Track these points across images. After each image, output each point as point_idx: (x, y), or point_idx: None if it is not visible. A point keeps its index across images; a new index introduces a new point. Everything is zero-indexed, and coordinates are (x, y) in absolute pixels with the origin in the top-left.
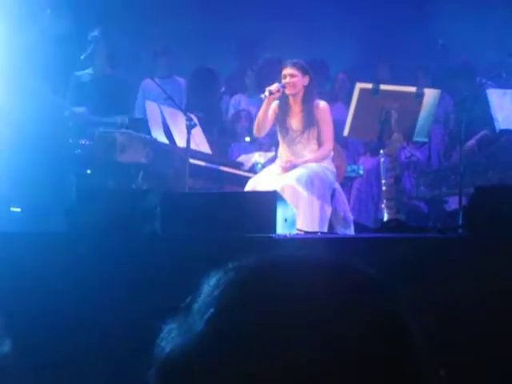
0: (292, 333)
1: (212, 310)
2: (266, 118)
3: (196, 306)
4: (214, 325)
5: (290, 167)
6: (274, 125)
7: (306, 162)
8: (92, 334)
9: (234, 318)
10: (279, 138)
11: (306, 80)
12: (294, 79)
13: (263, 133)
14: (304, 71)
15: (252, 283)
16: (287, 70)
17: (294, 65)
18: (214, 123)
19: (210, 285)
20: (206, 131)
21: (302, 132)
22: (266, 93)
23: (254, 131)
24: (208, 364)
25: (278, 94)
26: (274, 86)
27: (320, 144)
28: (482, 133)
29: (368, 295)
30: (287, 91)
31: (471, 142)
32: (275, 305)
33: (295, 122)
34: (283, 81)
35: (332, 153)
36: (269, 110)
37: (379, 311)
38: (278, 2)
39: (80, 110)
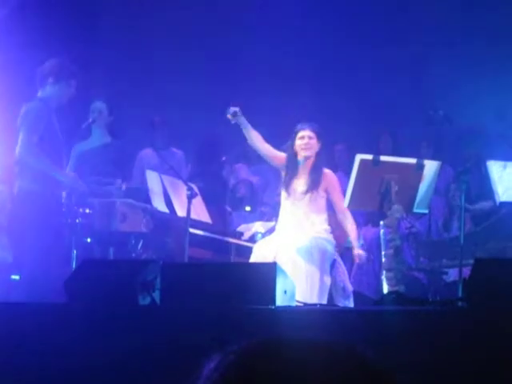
0: None
1: None
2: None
3: None
4: None
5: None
6: (277, 194)
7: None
8: None
9: None
10: (283, 200)
11: (319, 146)
12: (312, 141)
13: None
14: (319, 136)
15: (252, 367)
16: (305, 132)
17: (312, 128)
18: (215, 192)
19: (210, 368)
20: (208, 200)
21: (305, 193)
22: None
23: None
24: None
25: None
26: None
27: (338, 211)
28: (483, 204)
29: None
30: (304, 154)
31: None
32: None
33: (301, 183)
34: (300, 142)
35: (329, 227)
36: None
37: None
38: (280, 72)
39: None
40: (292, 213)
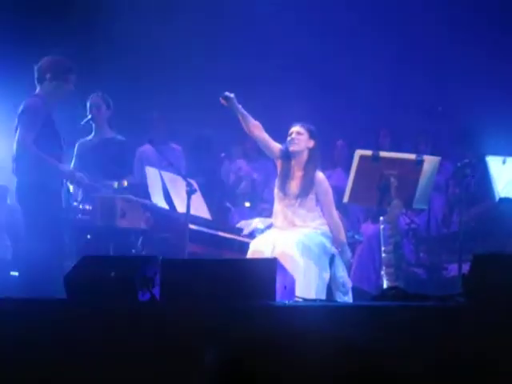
0: None
1: None
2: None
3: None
4: None
5: None
6: (272, 189)
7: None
8: None
9: None
10: (276, 199)
11: (311, 143)
12: (300, 137)
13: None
14: (311, 134)
15: (247, 364)
16: (295, 128)
17: (303, 125)
18: (214, 188)
19: (206, 363)
20: (206, 196)
21: (297, 197)
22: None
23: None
24: None
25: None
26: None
27: (325, 215)
28: (488, 203)
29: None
30: (290, 148)
31: (476, 209)
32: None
33: (293, 185)
34: (289, 138)
35: (324, 220)
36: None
37: None
38: (277, 70)
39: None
40: (282, 212)
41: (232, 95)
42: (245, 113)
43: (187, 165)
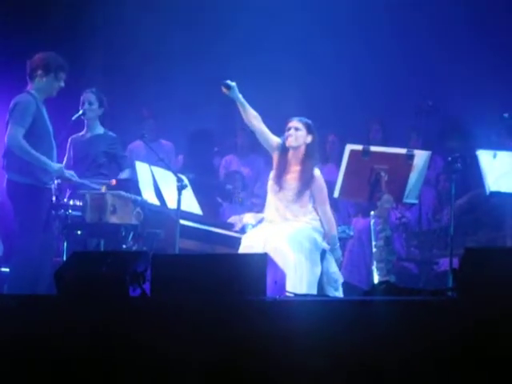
0: None
1: None
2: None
3: None
4: None
5: None
6: (266, 184)
7: None
8: None
9: None
10: (269, 191)
11: (308, 138)
12: (298, 133)
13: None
14: (309, 129)
15: (239, 357)
16: (293, 123)
17: (300, 120)
18: (207, 184)
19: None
20: (199, 192)
21: (294, 192)
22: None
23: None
24: None
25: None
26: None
27: (319, 211)
28: (473, 192)
29: None
30: (288, 143)
31: (460, 200)
32: None
33: (290, 179)
34: (286, 133)
35: (316, 215)
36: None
37: None
38: (270, 65)
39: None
40: (275, 205)
41: (234, 83)
42: (245, 103)
43: (184, 159)
